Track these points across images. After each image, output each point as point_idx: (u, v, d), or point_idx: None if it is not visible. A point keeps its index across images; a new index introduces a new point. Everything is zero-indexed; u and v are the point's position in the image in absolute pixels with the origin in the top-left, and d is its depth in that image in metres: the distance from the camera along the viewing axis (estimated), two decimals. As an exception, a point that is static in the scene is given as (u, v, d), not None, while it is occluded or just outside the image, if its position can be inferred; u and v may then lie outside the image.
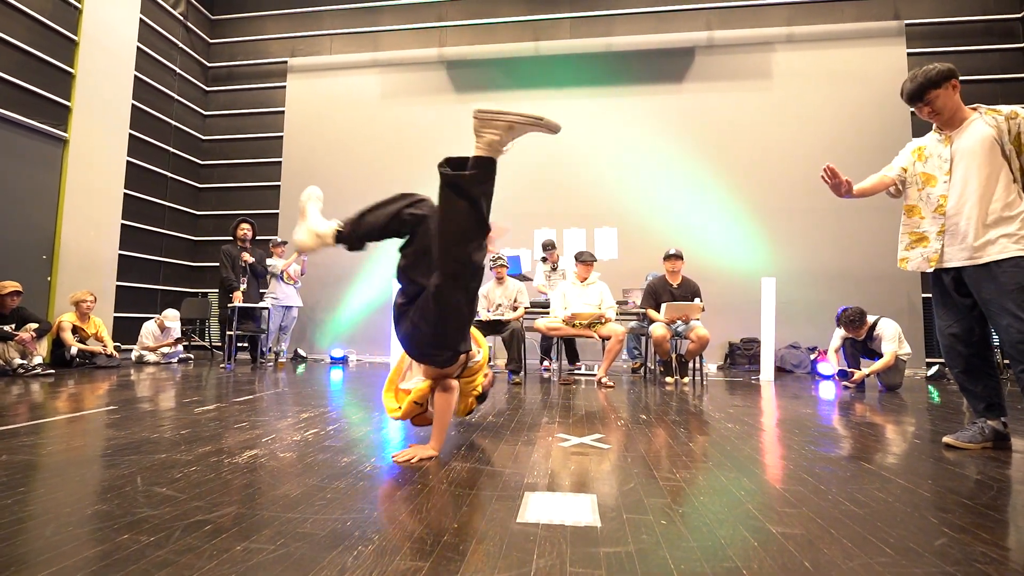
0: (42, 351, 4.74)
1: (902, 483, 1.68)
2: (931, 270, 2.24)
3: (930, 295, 6.21)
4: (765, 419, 2.92)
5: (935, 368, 5.69)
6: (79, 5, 5.90)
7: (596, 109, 7.23)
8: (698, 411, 3.13)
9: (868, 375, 4.35)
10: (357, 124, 7.70)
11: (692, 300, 4.64)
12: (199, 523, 1.26)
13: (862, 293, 6.20)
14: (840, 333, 4.64)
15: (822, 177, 2.32)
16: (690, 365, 4.74)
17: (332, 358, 6.73)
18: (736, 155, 6.90)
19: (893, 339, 4.31)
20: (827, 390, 4.42)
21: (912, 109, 2.21)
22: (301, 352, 7.01)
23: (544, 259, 5.86)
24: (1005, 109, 2.10)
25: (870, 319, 4.44)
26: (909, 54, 6.69)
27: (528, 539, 1.20)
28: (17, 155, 5.29)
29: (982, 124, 2.10)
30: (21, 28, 5.33)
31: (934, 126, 2.28)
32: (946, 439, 2.21)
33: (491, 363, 6.16)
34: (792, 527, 1.28)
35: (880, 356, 4.35)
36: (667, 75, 7.17)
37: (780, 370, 5.93)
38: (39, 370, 4.46)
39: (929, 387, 4.82)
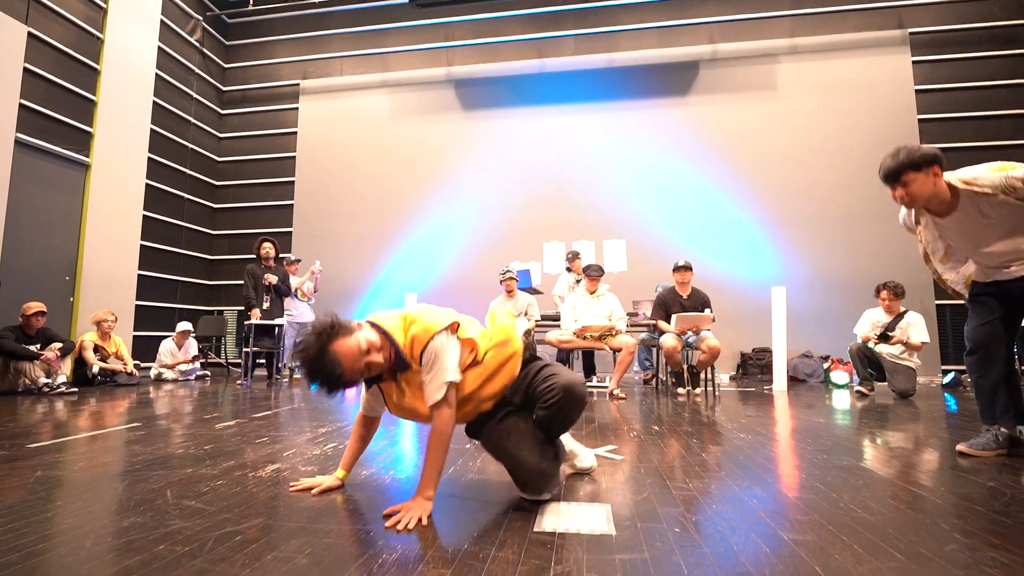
0: (65, 370, 4.86)
1: (914, 491, 1.69)
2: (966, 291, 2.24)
3: (944, 302, 6.19)
4: (778, 429, 2.92)
5: (951, 375, 5.63)
6: (101, 35, 6.15)
7: (602, 123, 7.33)
8: (711, 422, 3.14)
9: (896, 341, 4.47)
10: (367, 143, 7.87)
11: (702, 311, 4.66)
12: (230, 534, 1.31)
13: (872, 299, 6.17)
14: (869, 317, 4.70)
15: None
16: (702, 376, 4.74)
17: (345, 373, 6.79)
18: (743, 166, 6.95)
19: (924, 330, 4.49)
20: (841, 399, 4.40)
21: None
22: (315, 368, 7.09)
23: (569, 269, 5.91)
24: (992, 185, 1.91)
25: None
26: (914, 62, 6.73)
27: (545, 547, 1.24)
28: (42, 180, 5.48)
29: (979, 201, 1.97)
30: (47, 60, 5.56)
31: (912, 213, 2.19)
32: (960, 447, 2.21)
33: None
34: (804, 534, 1.31)
35: (882, 370, 4.48)
36: (672, 89, 7.26)
37: (793, 379, 5.90)
38: (63, 388, 4.57)
39: (946, 395, 4.77)
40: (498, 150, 7.50)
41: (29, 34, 5.35)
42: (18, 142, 5.21)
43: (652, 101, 7.30)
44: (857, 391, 4.55)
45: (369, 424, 1.76)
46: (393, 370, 1.57)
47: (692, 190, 7.01)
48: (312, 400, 4.25)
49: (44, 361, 4.62)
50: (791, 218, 6.74)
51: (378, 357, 1.48)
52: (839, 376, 5.52)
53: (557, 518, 1.43)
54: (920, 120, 6.59)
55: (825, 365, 5.93)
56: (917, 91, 6.67)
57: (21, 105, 5.24)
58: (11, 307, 4.78)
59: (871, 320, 4.75)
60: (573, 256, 5.84)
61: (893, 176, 2.02)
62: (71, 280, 5.77)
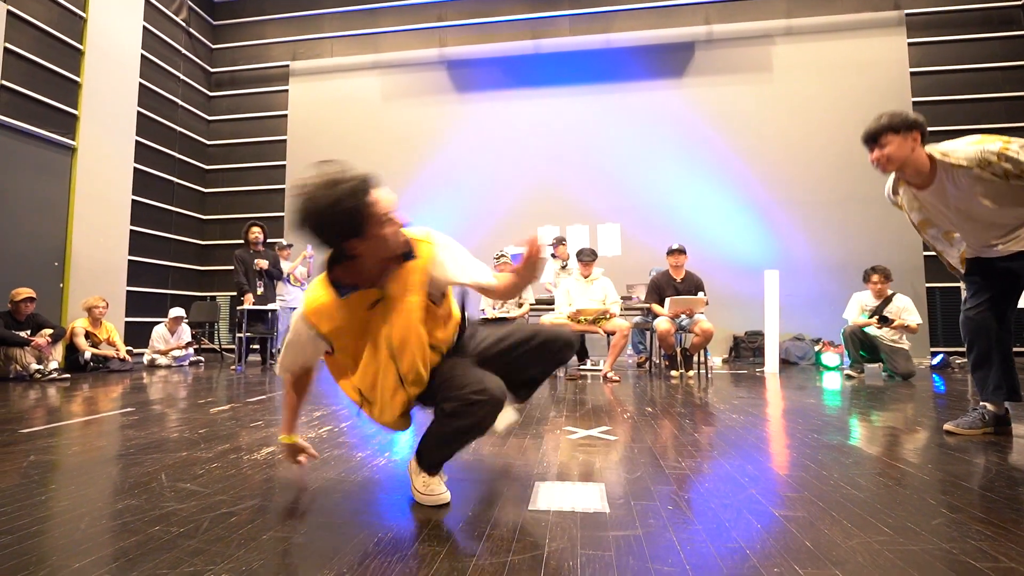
0: (57, 356, 4.83)
1: (902, 468, 1.72)
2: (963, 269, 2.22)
3: (934, 284, 6.25)
4: (770, 410, 2.96)
5: (940, 357, 5.70)
6: (83, 14, 5.98)
7: (597, 106, 7.26)
8: (703, 403, 3.18)
9: (898, 326, 4.55)
10: (359, 125, 7.76)
11: (696, 294, 4.68)
12: (225, 515, 1.31)
13: (863, 284, 6.22)
14: (858, 300, 4.74)
15: None
16: (695, 359, 4.78)
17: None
18: (737, 148, 6.92)
19: (915, 311, 4.58)
20: (832, 381, 4.46)
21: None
22: (309, 353, 7.08)
23: (554, 256, 5.87)
24: (967, 158, 1.88)
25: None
26: (910, 44, 6.69)
27: (540, 524, 1.25)
28: (27, 164, 5.37)
29: (954, 173, 1.95)
30: (28, 39, 5.41)
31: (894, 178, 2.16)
32: (947, 426, 2.25)
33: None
34: (794, 510, 1.33)
35: (873, 351, 4.56)
36: (667, 70, 7.19)
37: (785, 362, 5.96)
38: (55, 375, 4.55)
39: (934, 376, 4.84)
40: (492, 133, 7.42)
41: (8, 12, 5.19)
42: (0, 124, 5.09)
43: (647, 83, 7.23)
44: (847, 374, 4.61)
45: (307, 383, 1.57)
46: (382, 274, 1.29)
47: (686, 173, 6.99)
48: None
49: (35, 347, 4.59)
50: (785, 201, 6.75)
51: (391, 231, 1.23)
52: (830, 358, 5.58)
53: (551, 496, 1.45)
54: (915, 103, 6.57)
55: (816, 348, 6.00)
56: (912, 73, 6.64)
57: (2, 86, 5.11)
58: (0, 293, 4.72)
59: (860, 304, 4.79)
60: (557, 242, 5.83)
61: (872, 137, 2.04)
62: (60, 266, 5.69)
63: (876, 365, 4.74)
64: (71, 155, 5.82)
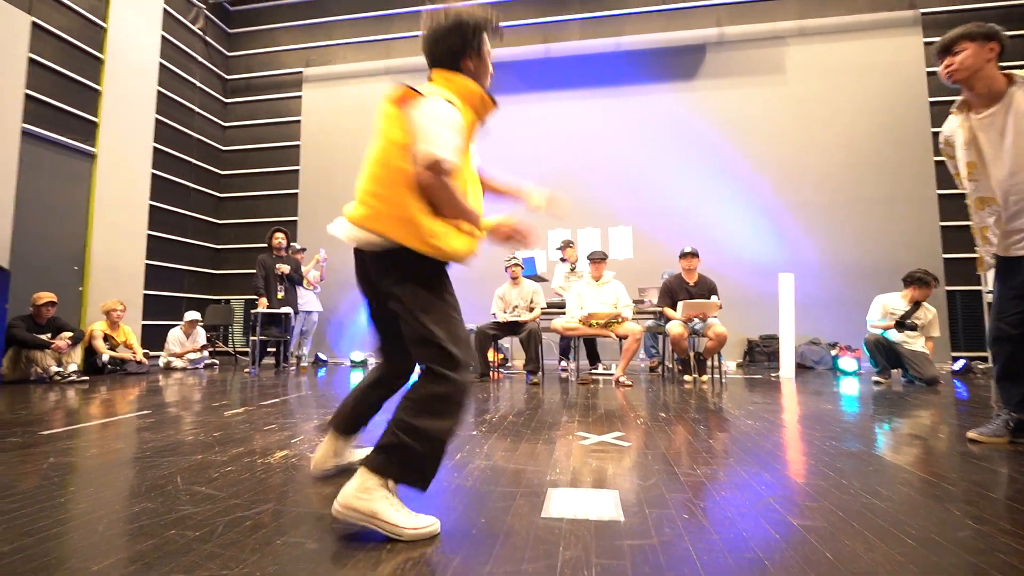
0: (76, 359, 4.91)
1: (925, 477, 1.68)
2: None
3: (955, 288, 6.12)
4: (786, 415, 2.91)
5: (961, 362, 5.58)
6: (104, 24, 6.11)
7: (607, 109, 7.24)
8: (717, 408, 3.14)
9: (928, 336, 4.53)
10: (371, 130, 7.81)
11: (709, 298, 4.63)
12: (240, 519, 1.32)
13: (883, 287, 6.09)
14: (883, 304, 4.67)
15: None
16: (708, 363, 4.73)
17: (352, 361, 6.83)
18: (750, 151, 6.86)
19: (937, 323, 4.56)
20: (849, 386, 4.38)
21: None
22: (322, 356, 7.14)
23: (563, 259, 5.85)
24: None
25: None
26: (926, 43, 6.58)
27: (553, 532, 1.24)
28: (49, 171, 5.49)
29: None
30: (51, 49, 5.54)
31: (957, 113, 2.08)
32: (970, 434, 2.19)
33: (508, 364, 6.23)
34: (814, 520, 1.30)
35: (900, 355, 4.48)
36: (678, 73, 7.15)
37: (801, 367, 5.87)
38: (74, 377, 4.62)
39: (955, 382, 4.74)
40: (502, 136, 7.43)
41: (33, 24, 5.32)
42: (25, 133, 5.21)
43: (658, 85, 7.19)
44: (875, 380, 4.50)
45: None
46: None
47: (698, 175, 6.93)
48: (318, 388, 4.27)
49: (55, 350, 4.67)
50: (799, 203, 6.66)
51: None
52: (847, 363, 5.49)
53: (565, 504, 1.43)
54: (931, 103, 6.46)
55: (833, 352, 5.90)
56: (928, 73, 6.53)
57: (27, 95, 5.23)
58: (21, 297, 4.82)
59: (884, 307, 4.68)
60: (565, 244, 5.80)
61: (946, 46, 1.99)
62: (80, 270, 5.80)
63: (897, 371, 4.64)
64: (91, 162, 5.94)
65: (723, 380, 4.66)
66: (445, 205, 1.27)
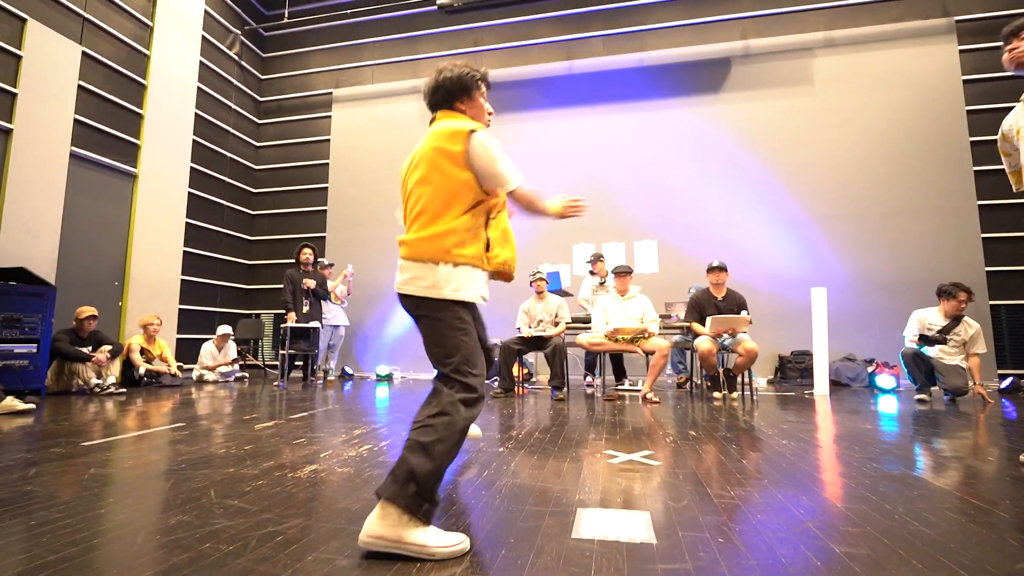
0: (114, 371, 5.08)
1: (975, 503, 1.59)
2: None
3: (999, 302, 5.86)
4: (821, 435, 2.81)
5: (1008, 380, 5.31)
6: (148, 52, 6.43)
7: (632, 123, 7.24)
8: (749, 427, 3.05)
9: (971, 354, 4.35)
10: (398, 149, 7.97)
11: (738, 313, 4.53)
12: (271, 534, 1.34)
13: (922, 301, 5.88)
14: (919, 319, 4.51)
15: None
16: (738, 379, 4.61)
17: (378, 375, 6.90)
18: (778, 162, 6.75)
19: (982, 339, 4.38)
20: (888, 405, 4.21)
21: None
22: (348, 370, 7.23)
23: (592, 272, 5.81)
24: None
25: None
26: (961, 51, 6.41)
27: (584, 554, 1.21)
28: (94, 191, 5.77)
29: None
30: (99, 76, 5.85)
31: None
32: (1023, 457, 2.08)
33: (533, 379, 6.19)
34: (857, 547, 1.25)
35: (935, 374, 4.33)
36: (703, 86, 7.12)
37: (835, 384, 5.67)
38: (112, 389, 4.78)
39: (1004, 401, 4.51)
40: (527, 153, 7.50)
41: (83, 53, 5.64)
42: (73, 155, 5.49)
43: (683, 100, 7.17)
44: (919, 399, 4.34)
45: None
46: None
47: (725, 189, 6.85)
48: (345, 402, 4.32)
49: (95, 363, 4.85)
50: (831, 216, 6.50)
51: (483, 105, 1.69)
52: (886, 380, 5.28)
53: (595, 525, 1.41)
54: (969, 111, 6.27)
55: (870, 369, 5.69)
56: (965, 81, 6.34)
57: (75, 120, 5.52)
58: (66, 311, 5.03)
59: (921, 322, 4.53)
60: (595, 259, 5.76)
61: (1015, 30, 2.05)
62: (119, 285, 6.04)
63: (937, 388, 4.46)
64: (133, 182, 6.21)
65: (754, 397, 4.54)
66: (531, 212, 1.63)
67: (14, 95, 4.98)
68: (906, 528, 1.37)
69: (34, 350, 4.46)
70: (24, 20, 5.10)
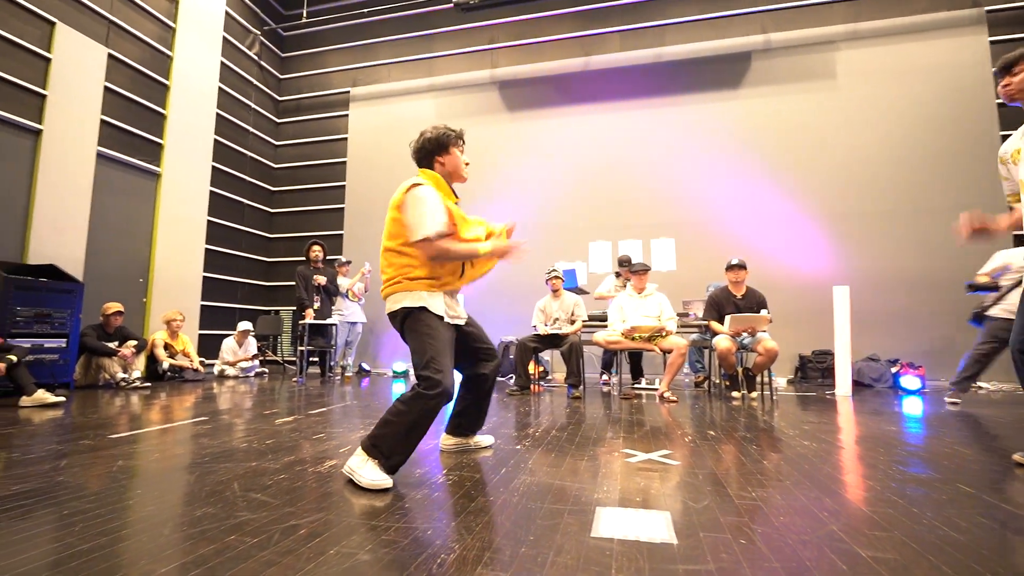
0: (139, 366, 5.21)
1: (1009, 509, 1.55)
2: None
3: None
4: (844, 436, 2.76)
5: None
6: (171, 53, 6.56)
7: (649, 119, 7.17)
8: (769, 427, 3.00)
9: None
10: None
11: (758, 311, 4.47)
12: (294, 527, 1.35)
13: (946, 299, 5.74)
14: (1007, 257, 4.16)
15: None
16: (758, 379, 4.55)
17: (394, 372, 6.96)
18: (800, 159, 6.62)
19: None
20: (913, 406, 4.11)
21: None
22: (365, 366, 7.30)
23: (618, 274, 5.72)
24: None
25: None
26: (992, 42, 6.21)
27: (604, 554, 1.21)
28: (120, 190, 5.90)
29: None
30: (124, 78, 5.98)
31: None
32: (1016, 456, 2.01)
33: (549, 377, 6.18)
34: (884, 551, 1.22)
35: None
36: (722, 82, 7.01)
37: (858, 384, 5.56)
38: (137, 383, 4.90)
39: (1034, 404, 4.37)
40: (543, 150, 7.47)
41: (109, 55, 5.77)
42: (99, 155, 5.63)
43: (701, 95, 7.07)
44: (951, 401, 4.10)
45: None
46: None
47: (745, 185, 6.74)
48: (363, 397, 4.36)
49: (121, 358, 4.97)
50: (853, 213, 6.37)
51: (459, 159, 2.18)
52: (910, 381, 5.16)
53: (614, 524, 1.40)
54: (999, 105, 6.07)
55: (894, 369, 5.56)
56: (995, 74, 6.15)
57: (102, 120, 5.66)
58: (93, 307, 5.16)
59: (1009, 262, 4.10)
60: (626, 261, 5.63)
61: (1007, 65, 2.09)
62: (144, 282, 6.18)
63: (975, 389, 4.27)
64: (156, 181, 6.35)
65: (774, 397, 4.47)
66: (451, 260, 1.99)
67: (43, 97, 5.11)
68: (936, 534, 1.34)
69: (63, 345, 4.58)
70: (53, 24, 5.23)
